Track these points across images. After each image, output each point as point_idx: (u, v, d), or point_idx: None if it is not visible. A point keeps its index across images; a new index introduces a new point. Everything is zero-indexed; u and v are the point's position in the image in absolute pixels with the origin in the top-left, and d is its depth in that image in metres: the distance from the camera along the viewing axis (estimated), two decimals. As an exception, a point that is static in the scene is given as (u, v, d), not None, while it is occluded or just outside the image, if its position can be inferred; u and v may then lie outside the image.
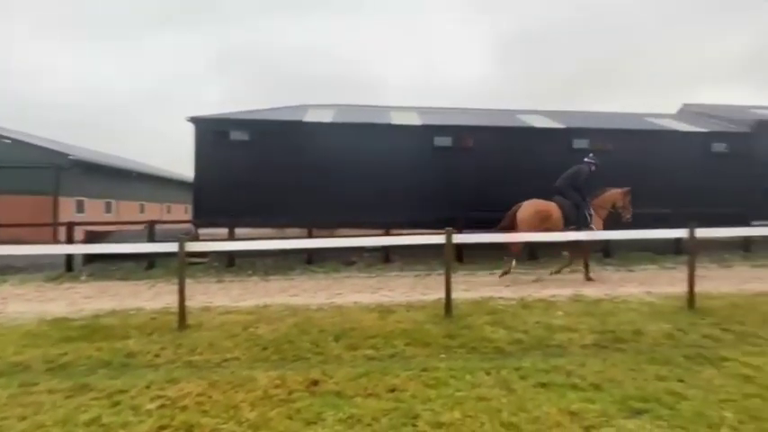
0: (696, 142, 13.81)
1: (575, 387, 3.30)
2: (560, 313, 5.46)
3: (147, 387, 3.42)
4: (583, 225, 8.30)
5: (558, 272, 8.84)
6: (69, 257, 9.85)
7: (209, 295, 7.16)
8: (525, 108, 17.52)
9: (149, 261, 9.77)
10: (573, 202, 8.54)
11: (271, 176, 11.62)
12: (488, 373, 3.58)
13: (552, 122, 14.31)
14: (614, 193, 8.97)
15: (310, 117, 13.11)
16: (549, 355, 4.03)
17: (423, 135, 12.80)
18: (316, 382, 3.45)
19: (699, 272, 6.51)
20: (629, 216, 8.83)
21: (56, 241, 16.32)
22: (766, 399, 3.06)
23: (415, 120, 13.68)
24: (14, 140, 22.01)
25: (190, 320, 5.13)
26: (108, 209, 25.95)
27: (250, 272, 9.55)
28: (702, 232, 5.91)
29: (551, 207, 8.52)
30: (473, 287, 7.48)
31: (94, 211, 24.13)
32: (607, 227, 8.55)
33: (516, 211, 8.65)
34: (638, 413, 2.87)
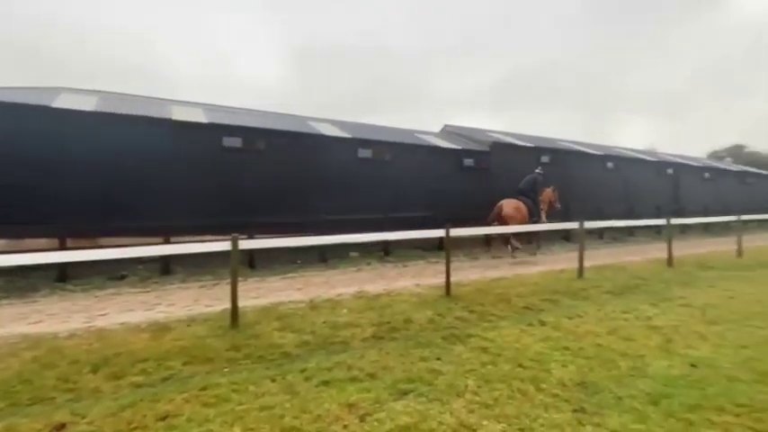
0: (452, 157, 16.62)
1: (354, 379, 3.53)
2: (345, 311, 5.80)
3: None
4: (538, 218, 11.53)
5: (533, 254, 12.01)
6: None
7: None
8: (316, 116, 18.15)
9: None
10: (532, 200, 11.60)
11: (5, 173, 9.13)
12: (274, 380, 3.54)
13: (340, 131, 15.22)
14: (548, 192, 12.38)
15: (63, 103, 10.82)
16: (333, 353, 4.22)
17: (210, 134, 11.99)
18: (62, 426, 2.83)
19: (454, 264, 7.81)
20: (558, 206, 12.61)
21: None
22: (497, 364, 3.83)
23: (200, 117, 12.71)
24: None
25: None
26: None
27: (-32, 297, 7.30)
28: (456, 232, 7.10)
29: (522, 205, 11.29)
30: (264, 294, 7.34)
31: None
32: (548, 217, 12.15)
33: (501, 209, 11.17)
34: (404, 394, 3.24)
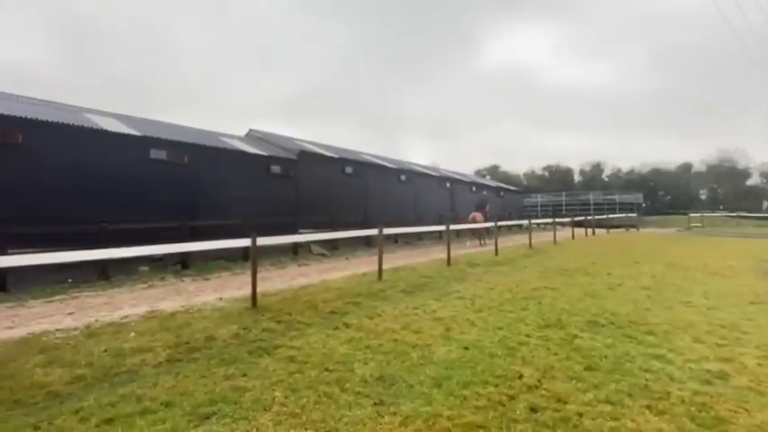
0: (259, 163, 16.27)
1: (145, 412, 3.15)
2: (133, 335, 5.10)
3: None
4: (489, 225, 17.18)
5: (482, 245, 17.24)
6: None
7: None
8: (95, 107, 15.49)
9: None
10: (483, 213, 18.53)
11: None
12: (37, 429, 2.90)
13: (127, 128, 13.31)
14: (486, 210, 19.13)
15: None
16: (117, 385, 3.68)
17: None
18: None
19: (260, 274, 7.64)
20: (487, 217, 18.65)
21: None
22: (304, 372, 3.90)
23: None
24: None
25: None
26: None
27: None
28: (263, 240, 6.97)
29: (480, 215, 18.12)
30: (21, 322, 5.91)
31: None
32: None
33: (473, 218, 17.88)
34: (206, 418, 3.04)
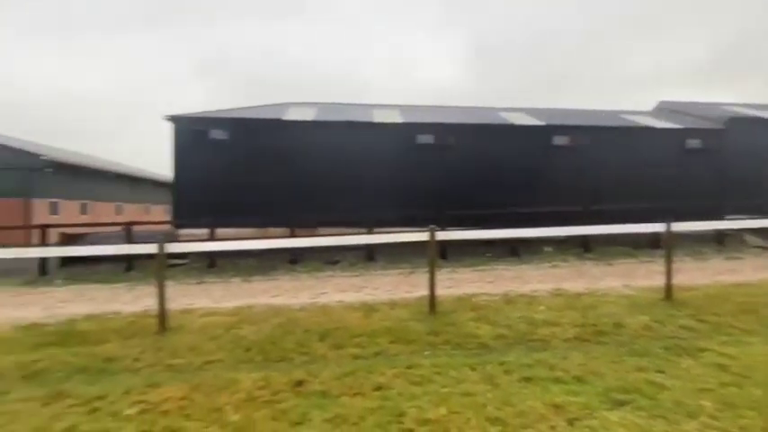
0: (671, 139, 14.15)
1: (558, 380, 3.34)
2: (542, 308, 5.53)
3: (127, 392, 3.34)
4: None
5: None
6: (43, 261, 9.56)
7: (190, 297, 7.04)
8: (506, 106, 17.67)
9: (128, 263, 9.56)
10: None
11: (251, 176, 11.51)
12: (473, 369, 3.60)
13: (533, 119, 14.49)
14: None
15: (291, 115, 13.01)
16: (533, 350, 4.08)
17: (405, 133, 12.83)
18: (301, 383, 3.41)
19: (675, 265, 6.67)
20: None
21: (29, 244, 15.84)
22: (742, 387, 3.14)
23: (397, 117, 13.70)
24: (-17, 141, 21.30)
25: (171, 323, 5.03)
26: (84, 210, 25.32)
27: (232, 273, 9.43)
28: (678, 226, 6.05)
29: None
30: (457, 284, 7.52)
31: (70, 212, 23.52)
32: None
33: None
34: (620, 404, 2.92)
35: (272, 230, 10.95)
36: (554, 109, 17.79)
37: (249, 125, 12.18)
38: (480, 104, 18.71)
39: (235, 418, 2.89)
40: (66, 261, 9.85)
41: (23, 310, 6.45)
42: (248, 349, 4.29)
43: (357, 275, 8.92)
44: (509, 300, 6.04)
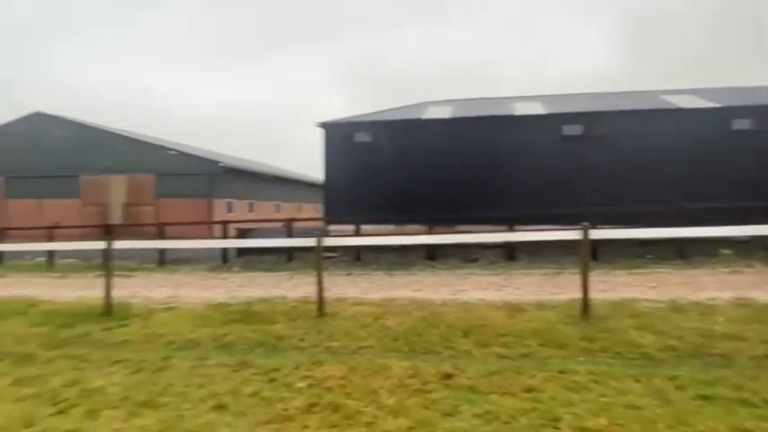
0: None
1: (745, 403, 2.88)
2: (722, 319, 4.76)
3: (296, 368, 3.79)
4: None
5: None
6: (225, 251, 11.31)
7: (340, 287, 7.66)
8: (667, 88, 15.49)
9: (288, 255, 10.79)
10: None
11: (392, 175, 12.05)
12: (637, 381, 3.28)
13: (706, 102, 12.46)
14: None
15: (429, 114, 13.26)
16: (711, 366, 3.55)
17: (549, 125, 12.11)
18: (449, 376, 3.49)
19: None
20: None
21: (212, 237, 18.86)
22: None
23: (538, 109, 13.01)
24: (179, 152, 25.95)
25: (327, 309, 5.56)
26: (251, 208, 29.20)
27: (375, 266, 9.99)
28: None
29: None
30: (612, 287, 6.88)
31: (240, 210, 27.33)
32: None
33: None
34: (840, 442, 2.40)
35: (409, 227, 11.32)
36: (732, 88, 15.04)
37: (390, 126, 12.76)
38: (639, 88, 16.72)
39: (389, 401, 3.08)
40: (242, 251, 11.51)
41: (212, 292, 7.72)
42: (396, 339, 4.53)
43: (497, 274, 8.73)
44: (678, 308, 5.32)
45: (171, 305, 6.45)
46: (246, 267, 10.58)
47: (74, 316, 5.92)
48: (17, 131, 26.92)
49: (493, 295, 6.59)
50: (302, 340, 4.62)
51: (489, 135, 11.96)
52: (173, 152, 25.69)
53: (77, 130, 26.38)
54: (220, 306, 6.25)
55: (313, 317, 5.41)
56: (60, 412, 3.14)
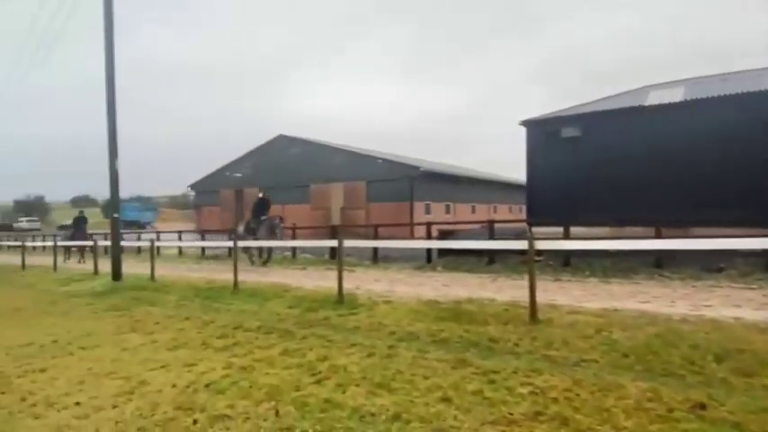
0: None
1: None
2: None
3: (515, 372, 3.76)
4: None
5: None
6: (429, 251, 11.96)
7: (549, 293, 7.27)
8: None
9: (490, 257, 10.76)
10: None
11: (607, 171, 10.86)
12: None
13: None
14: None
15: (653, 99, 11.49)
16: None
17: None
18: (702, 406, 2.98)
19: None
20: None
21: (413, 237, 20.18)
22: None
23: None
24: (384, 160, 28.59)
25: (540, 316, 5.35)
26: (447, 210, 30.21)
27: (587, 272, 9.16)
28: None
29: None
30: None
31: (437, 212, 28.53)
32: None
33: None
34: None
35: (629, 229, 10.01)
36: None
37: (603, 117, 11.53)
38: None
39: (627, 423, 2.80)
40: (443, 252, 11.98)
41: (420, 289, 8.23)
42: (625, 355, 4.08)
43: (753, 288, 7.04)
44: None
45: (388, 299, 7.12)
46: (449, 267, 10.96)
47: (315, 302, 7.08)
48: (265, 151, 33.71)
49: (752, 314, 5.33)
50: (516, 345, 4.55)
51: (736, 119, 9.67)
52: (380, 161, 28.45)
53: (307, 147, 31.54)
54: (431, 303, 6.61)
55: (525, 322, 5.27)
56: (317, 382, 3.80)
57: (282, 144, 32.61)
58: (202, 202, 38.65)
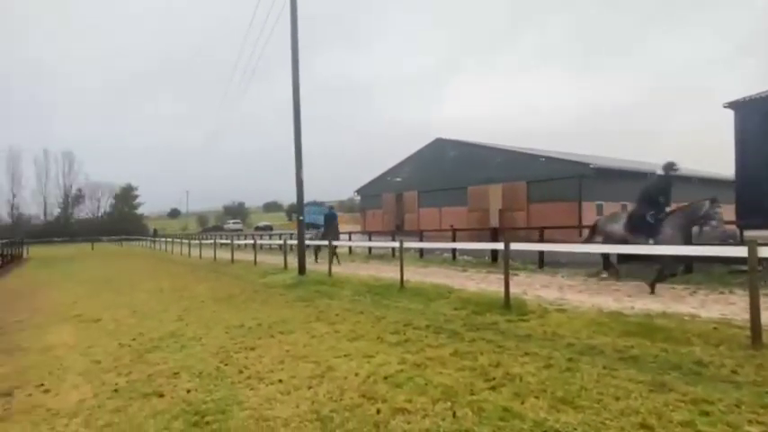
0: None
1: None
2: None
3: (737, 405, 3.11)
4: None
5: None
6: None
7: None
8: None
9: (686, 265, 9.20)
10: None
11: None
12: None
13: None
14: None
15: None
16: None
17: None
18: None
19: None
20: None
21: (581, 241, 18.40)
22: None
23: None
24: (547, 158, 26.83)
25: (765, 339, 4.34)
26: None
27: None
28: None
29: None
30: None
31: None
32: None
33: None
34: None
35: None
36: None
37: None
38: None
39: None
40: (623, 258, 10.63)
41: (597, 298, 7.43)
42: None
43: None
44: None
45: (562, 307, 6.60)
46: (630, 275, 9.68)
47: (481, 305, 6.95)
48: (423, 155, 34.65)
49: None
50: (735, 372, 3.76)
51: None
52: (542, 159, 26.81)
53: (464, 148, 31.43)
54: (614, 314, 5.92)
55: (744, 345, 4.33)
56: (492, 389, 3.69)
57: (439, 147, 33.11)
58: (367, 206, 41.58)
